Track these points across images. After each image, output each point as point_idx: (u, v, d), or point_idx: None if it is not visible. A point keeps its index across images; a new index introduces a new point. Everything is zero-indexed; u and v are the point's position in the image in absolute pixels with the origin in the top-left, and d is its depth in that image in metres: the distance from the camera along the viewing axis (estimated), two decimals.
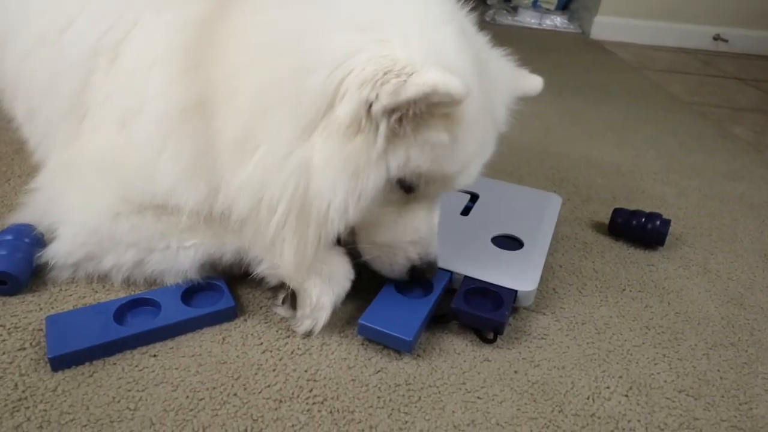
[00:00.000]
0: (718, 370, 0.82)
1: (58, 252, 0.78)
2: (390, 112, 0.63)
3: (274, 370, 0.73)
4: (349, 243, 0.82)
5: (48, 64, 0.89)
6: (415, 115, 0.64)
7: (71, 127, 0.86)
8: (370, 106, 0.63)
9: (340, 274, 0.80)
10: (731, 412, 0.75)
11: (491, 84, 0.77)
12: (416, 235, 0.79)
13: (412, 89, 0.60)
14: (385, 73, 0.62)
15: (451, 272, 0.87)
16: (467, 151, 0.72)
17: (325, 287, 0.78)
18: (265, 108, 0.67)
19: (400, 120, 0.64)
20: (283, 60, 0.67)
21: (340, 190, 0.65)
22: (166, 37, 0.78)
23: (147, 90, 0.77)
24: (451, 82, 0.59)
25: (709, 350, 0.86)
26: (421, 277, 0.81)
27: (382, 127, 0.64)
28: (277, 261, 0.76)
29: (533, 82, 0.88)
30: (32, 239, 0.82)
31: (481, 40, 0.82)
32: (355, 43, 0.64)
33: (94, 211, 0.79)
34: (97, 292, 0.82)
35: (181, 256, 0.80)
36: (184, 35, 0.77)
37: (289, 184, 0.66)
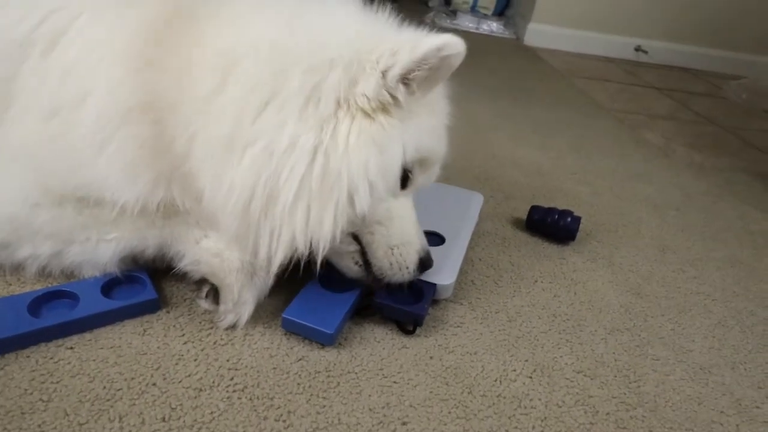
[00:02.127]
0: (614, 353, 0.90)
1: None
2: (405, 76, 0.71)
3: (195, 360, 0.74)
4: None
5: None
6: (424, 80, 0.73)
7: None
8: (386, 76, 0.71)
9: (264, 269, 0.82)
10: (621, 389, 0.83)
11: None
12: (417, 225, 0.85)
13: (428, 43, 0.70)
14: (396, 45, 0.71)
15: None
16: (444, 132, 0.84)
17: (247, 282, 0.80)
18: (258, 108, 0.70)
19: (410, 89, 0.73)
20: (289, 64, 0.71)
21: (372, 165, 0.71)
22: (116, 33, 0.77)
23: (92, 85, 0.76)
24: (453, 37, 0.70)
25: (607, 335, 0.94)
26: (427, 268, 0.85)
27: (400, 93, 0.72)
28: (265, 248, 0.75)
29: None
30: None
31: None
32: (354, 35, 0.74)
33: (11, 199, 0.77)
34: (11, 284, 0.80)
35: (101, 249, 0.79)
36: (136, 34, 0.76)
37: (299, 166, 0.69)
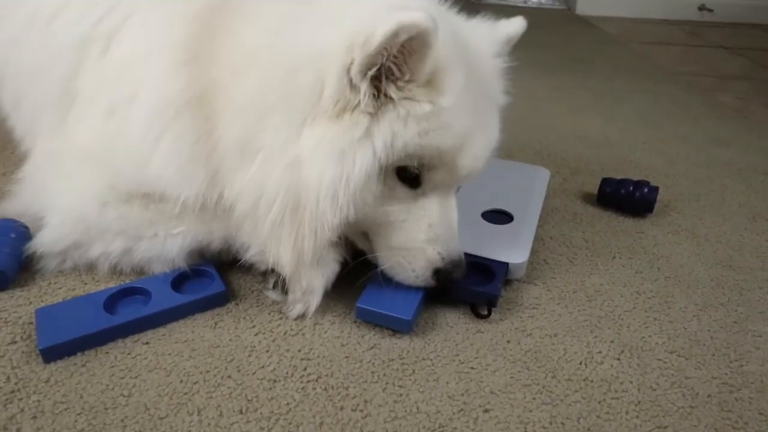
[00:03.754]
0: (709, 330, 0.83)
1: (45, 240, 0.78)
2: (366, 70, 0.62)
3: (267, 351, 0.73)
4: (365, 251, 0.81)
5: (37, 49, 0.87)
6: (392, 71, 0.63)
7: (58, 115, 0.85)
8: (349, 74, 0.63)
9: (329, 256, 0.80)
10: (722, 369, 0.75)
11: (476, 56, 0.76)
12: (431, 232, 0.75)
13: (380, 31, 0.58)
14: (355, 33, 0.62)
15: None
16: (462, 123, 0.69)
17: (314, 271, 0.78)
18: (262, 111, 0.68)
19: (378, 84, 0.64)
20: (276, 62, 0.68)
21: (328, 175, 0.65)
22: (164, 29, 0.77)
23: (142, 80, 0.76)
24: (413, 13, 0.58)
25: (699, 312, 0.87)
26: (448, 279, 0.76)
27: (363, 89, 0.63)
28: (273, 258, 0.75)
29: (514, 25, 0.85)
30: (18, 234, 0.81)
31: (455, 19, 0.81)
32: (332, 33, 0.65)
33: (80, 199, 0.78)
34: (86, 283, 0.82)
35: (168, 244, 0.79)
36: (182, 28, 0.76)
37: (283, 181, 0.67)
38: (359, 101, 0.64)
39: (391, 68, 0.63)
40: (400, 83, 0.64)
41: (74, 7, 0.84)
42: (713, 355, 0.78)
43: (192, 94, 0.74)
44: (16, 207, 0.83)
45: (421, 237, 0.75)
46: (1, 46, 0.92)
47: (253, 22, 0.73)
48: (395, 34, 0.58)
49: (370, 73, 0.62)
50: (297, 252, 0.71)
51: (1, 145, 1.14)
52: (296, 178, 0.66)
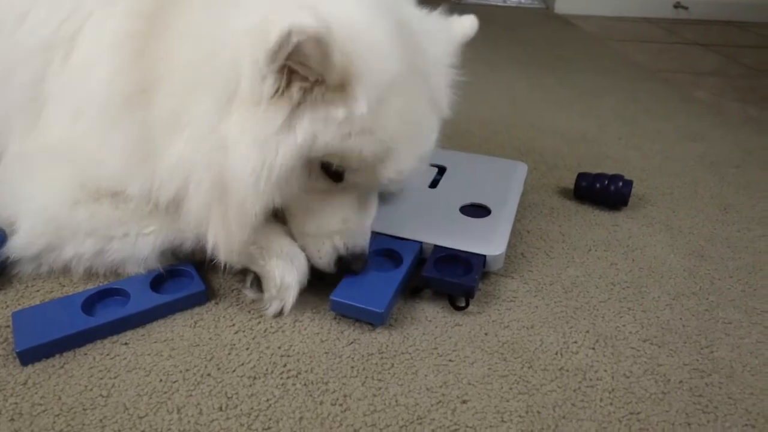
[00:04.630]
0: (681, 319, 0.85)
1: (18, 245, 0.78)
2: (269, 64, 0.61)
3: (247, 348, 0.74)
4: None
5: (3, 55, 0.86)
6: (297, 71, 0.63)
7: (28, 119, 0.84)
8: (260, 66, 0.62)
9: (302, 253, 0.81)
10: (693, 356, 0.77)
11: (424, 62, 0.75)
12: (343, 225, 0.78)
13: (274, 32, 0.58)
14: (262, 24, 0.61)
15: (421, 243, 0.89)
16: (385, 132, 0.69)
17: (287, 267, 0.79)
18: (188, 90, 0.68)
19: (289, 78, 0.63)
20: (200, 46, 0.69)
21: (250, 163, 0.65)
22: (114, 27, 0.78)
23: (96, 79, 0.77)
24: (304, 17, 0.57)
25: (672, 301, 0.89)
26: (347, 269, 0.79)
27: (270, 83, 0.62)
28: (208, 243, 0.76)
29: (466, 23, 0.86)
30: None
31: (411, 15, 0.79)
32: (244, 20, 0.65)
33: (51, 200, 0.78)
34: (64, 286, 0.82)
35: (140, 244, 0.80)
36: (130, 25, 0.77)
37: (211, 163, 0.67)
38: (270, 93, 0.64)
39: (295, 68, 0.62)
40: (306, 84, 0.64)
41: (37, 12, 0.84)
42: (685, 342, 0.80)
43: (135, 90, 0.74)
44: None
45: (333, 227, 0.78)
46: None
47: (187, 9, 0.74)
48: (288, 35, 0.57)
49: (273, 67, 0.61)
50: (224, 239, 0.72)
51: None
52: (222, 161, 0.67)
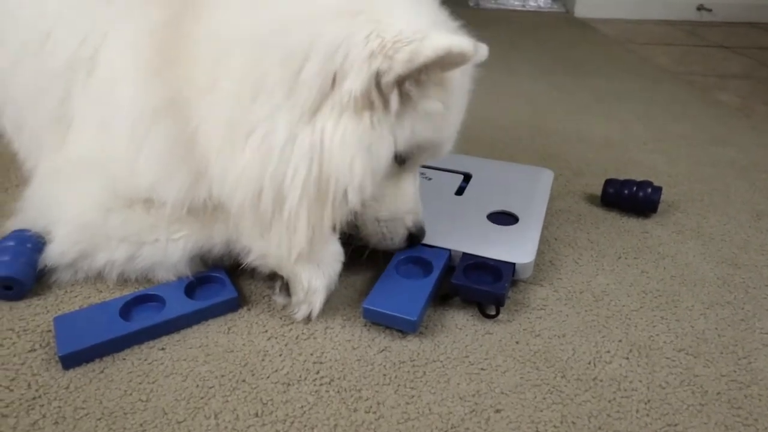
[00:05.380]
0: (716, 328, 0.83)
1: (54, 252, 0.80)
2: (402, 80, 0.66)
3: (280, 355, 0.74)
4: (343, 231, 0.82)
5: (30, 77, 0.91)
6: (420, 82, 0.68)
7: (57, 136, 0.88)
8: (379, 78, 0.66)
9: (330, 256, 0.81)
10: (730, 366, 0.76)
11: None
12: (411, 203, 0.84)
13: (428, 52, 0.63)
14: (395, 43, 0.65)
15: (450, 250, 0.89)
16: (456, 118, 0.79)
17: (315, 271, 0.79)
18: (252, 95, 0.68)
19: (404, 89, 0.67)
20: (269, 51, 0.68)
21: (358, 167, 0.68)
22: (134, 44, 0.80)
23: (122, 93, 0.79)
24: (462, 41, 0.64)
25: (706, 310, 0.87)
26: (417, 242, 0.86)
27: (393, 98, 0.67)
28: (274, 250, 0.77)
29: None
30: (34, 244, 0.82)
31: (444, 15, 0.82)
32: (347, 26, 0.66)
33: (84, 208, 0.80)
34: (101, 291, 0.83)
35: (170, 249, 0.81)
36: (149, 40, 0.79)
37: (301, 169, 0.68)
38: (385, 105, 0.68)
39: (419, 81, 0.68)
40: (419, 86, 0.69)
41: (58, 33, 0.87)
42: (721, 352, 0.79)
43: (165, 98, 0.76)
44: (22, 224, 0.85)
45: (405, 208, 0.83)
46: (1, 72, 0.95)
47: (232, 17, 0.73)
48: (442, 58, 0.63)
49: (402, 86, 0.67)
50: (312, 241, 0.73)
51: (6, 164, 1.15)
52: (317, 167, 0.68)
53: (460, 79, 0.76)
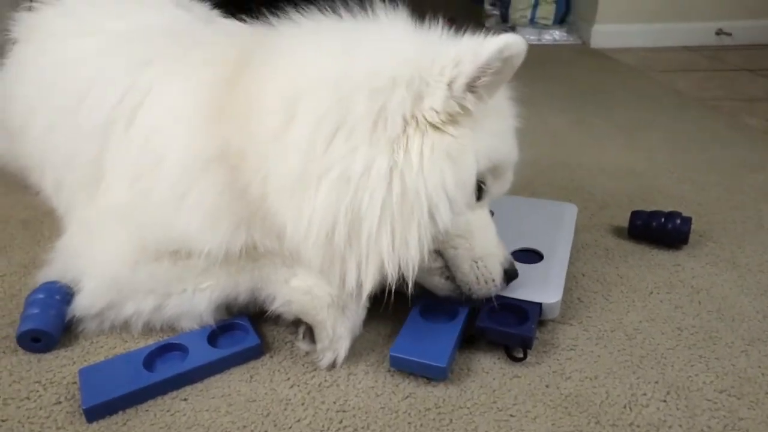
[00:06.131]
0: (759, 367, 0.79)
1: (82, 304, 0.81)
2: (472, 83, 0.70)
3: (303, 404, 0.73)
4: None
5: (68, 136, 0.95)
6: (490, 84, 0.71)
7: (90, 191, 0.91)
8: (452, 86, 0.70)
9: (354, 302, 0.81)
10: None
11: None
12: (497, 239, 0.83)
13: (490, 46, 0.68)
14: (457, 54, 0.70)
15: None
16: (515, 141, 0.83)
17: (339, 317, 0.79)
18: (328, 137, 0.70)
19: (478, 95, 0.71)
20: (353, 92, 0.71)
21: (449, 177, 0.70)
22: (186, 96, 0.83)
23: (166, 145, 0.81)
24: (514, 36, 0.69)
25: (747, 347, 0.83)
26: (512, 278, 0.83)
27: (469, 100, 0.71)
28: (299, 296, 0.78)
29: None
30: (63, 296, 0.84)
31: None
32: (416, 60, 0.72)
33: (112, 261, 0.82)
34: (126, 342, 0.84)
35: (197, 299, 0.81)
36: (201, 95, 0.82)
37: (379, 190, 0.69)
38: (464, 112, 0.71)
39: (487, 83, 0.71)
40: (481, 99, 0.72)
41: (95, 92, 0.92)
42: (766, 393, 0.74)
43: (216, 149, 0.78)
44: (52, 275, 0.87)
45: (494, 242, 0.82)
46: (40, 136, 1.01)
47: (292, 66, 0.76)
48: (501, 51, 0.68)
49: (474, 85, 0.70)
50: (397, 259, 0.71)
51: (39, 218, 1.19)
52: (399, 186, 0.69)
53: (509, 108, 0.82)
